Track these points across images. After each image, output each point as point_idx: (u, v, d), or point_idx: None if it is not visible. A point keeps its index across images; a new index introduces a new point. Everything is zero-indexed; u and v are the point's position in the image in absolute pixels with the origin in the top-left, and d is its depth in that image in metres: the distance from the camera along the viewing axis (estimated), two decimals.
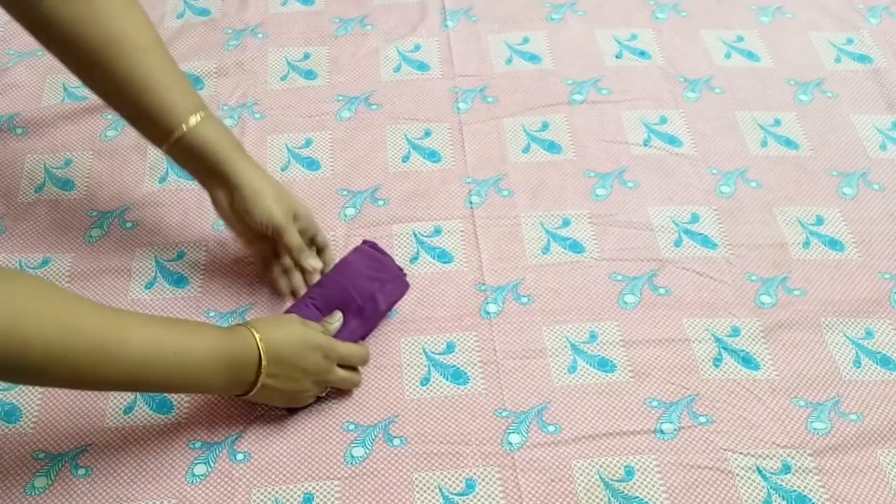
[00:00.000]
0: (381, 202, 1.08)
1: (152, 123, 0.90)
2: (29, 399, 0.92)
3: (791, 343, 0.97)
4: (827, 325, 0.98)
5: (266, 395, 0.86)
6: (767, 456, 0.89)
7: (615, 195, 1.09)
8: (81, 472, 0.87)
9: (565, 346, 0.96)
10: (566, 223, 1.06)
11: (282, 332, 0.85)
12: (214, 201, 0.94)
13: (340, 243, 1.04)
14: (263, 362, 0.82)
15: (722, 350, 0.96)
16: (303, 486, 0.87)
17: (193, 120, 0.89)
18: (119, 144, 1.13)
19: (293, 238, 0.95)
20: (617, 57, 1.24)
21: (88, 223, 1.05)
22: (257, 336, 0.83)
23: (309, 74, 1.22)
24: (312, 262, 0.97)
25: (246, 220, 0.93)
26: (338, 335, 0.91)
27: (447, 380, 0.94)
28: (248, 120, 1.16)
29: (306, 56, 1.24)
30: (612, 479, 0.87)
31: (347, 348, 0.90)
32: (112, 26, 0.86)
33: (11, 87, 1.19)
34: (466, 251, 1.04)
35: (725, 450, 0.89)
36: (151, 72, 0.88)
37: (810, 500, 0.86)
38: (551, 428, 0.90)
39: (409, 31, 1.27)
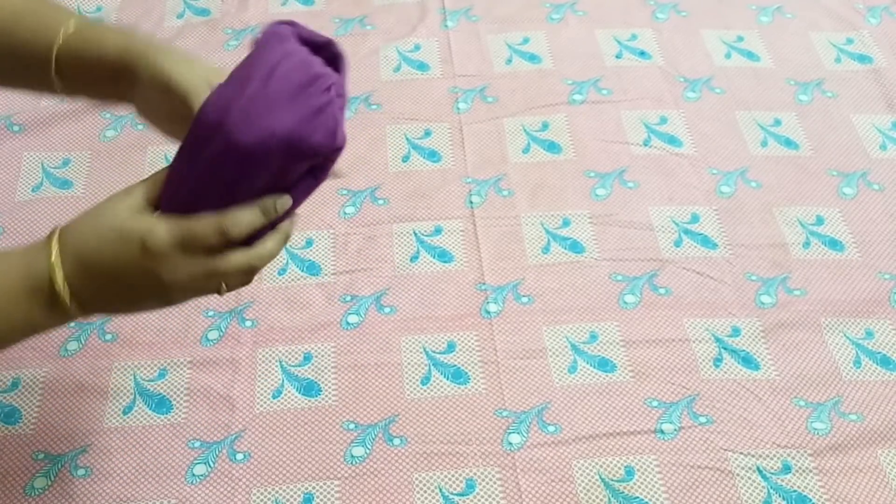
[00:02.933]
0: (381, 201, 1.08)
1: (28, 56, 0.72)
2: (28, 400, 0.92)
3: (791, 343, 0.97)
4: (827, 325, 0.98)
5: (109, 310, 0.67)
6: (767, 456, 0.89)
7: (615, 195, 1.09)
8: (81, 472, 0.87)
9: (565, 346, 0.96)
10: (566, 223, 1.06)
11: (89, 227, 0.63)
12: (139, 99, 0.72)
13: (340, 241, 1.04)
14: (58, 276, 0.62)
15: (722, 350, 0.96)
16: (303, 486, 0.87)
17: (69, 27, 0.72)
18: (118, 144, 1.13)
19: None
20: (617, 57, 1.24)
21: None
22: (54, 239, 0.63)
23: None
24: None
25: (165, 99, 0.70)
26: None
27: (447, 379, 0.94)
28: None
29: None
30: (612, 479, 0.87)
31: (204, 226, 0.63)
32: None
33: None
34: (467, 251, 1.03)
35: (725, 450, 0.89)
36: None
37: (810, 500, 0.86)
38: (551, 428, 0.90)
39: (409, 31, 1.27)
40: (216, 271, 0.64)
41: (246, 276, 0.67)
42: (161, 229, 0.62)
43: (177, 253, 0.63)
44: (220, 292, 0.66)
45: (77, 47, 0.72)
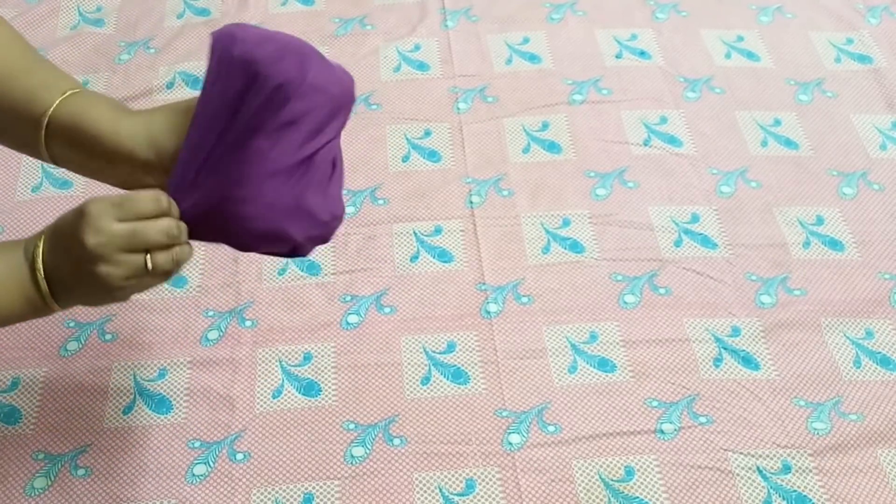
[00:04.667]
0: (381, 201, 1.08)
1: (19, 118, 0.73)
2: (28, 401, 0.92)
3: (791, 343, 0.97)
4: (827, 325, 0.98)
5: (65, 288, 0.69)
6: (767, 456, 0.88)
7: (615, 195, 1.09)
8: (81, 472, 0.87)
9: (565, 346, 0.96)
10: (566, 223, 1.06)
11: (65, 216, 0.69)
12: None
13: (340, 241, 1.04)
14: (40, 248, 0.68)
15: (722, 350, 0.96)
16: (303, 486, 0.87)
17: (63, 96, 0.72)
18: None
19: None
20: (617, 57, 1.24)
21: None
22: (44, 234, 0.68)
23: None
24: None
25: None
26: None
27: (448, 379, 0.94)
28: None
29: None
30: (612, 480, 0.87)
31: (141, 192, 0.67)
32: None
33: None
34: (467, 251, 1.03)
35: (725, 450, 0.89)
36: (13, 59, 0.73)
37: (810, 500, 0.86)
38: (551, 428, 0.90)
39: (409, 31, 1.27)
40: (141, 231, 0.66)
41: (169, 248, 0.68)
42: (104, 199, 0.66)
43: (109, 214, 0.66)
44: (147, 267, 0.67)
45: (67, 121, 0.72)
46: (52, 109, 0.71)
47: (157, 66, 1.22)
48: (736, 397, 0.92)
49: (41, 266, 0.68)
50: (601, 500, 0.86)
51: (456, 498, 0.86)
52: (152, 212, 0.67)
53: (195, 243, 0.70)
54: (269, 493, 0.86)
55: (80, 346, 0.95)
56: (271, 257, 1.02)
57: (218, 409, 0.91)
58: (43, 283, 0.68)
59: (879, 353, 0.96)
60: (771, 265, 1.03)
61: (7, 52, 0.74)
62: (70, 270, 0.67)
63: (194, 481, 0.87)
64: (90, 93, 0.74)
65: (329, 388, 0.93)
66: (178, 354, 0.95)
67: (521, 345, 0.96)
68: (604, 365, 0.95)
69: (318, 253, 1.03)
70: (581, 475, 0.87)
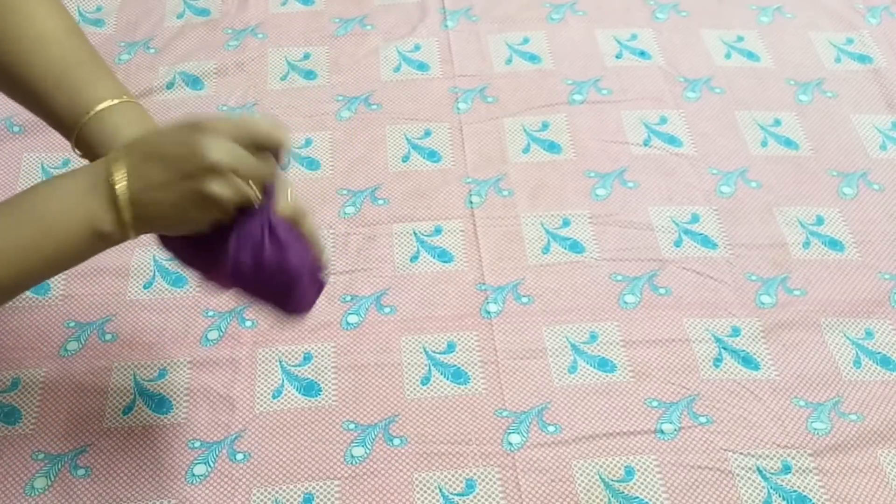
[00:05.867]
0: (380, 201, 1.08)
1: (58, 114, 0.73)
2: (28, 400, 0.92)
3: (791, 343, 0.97)
4: (827, 325, 0.98)
5: (150, 211, 0.65)
6: (767, 456, 0.89)
7: (615, 195, 1.09)
8: (81, 472, 0.87)
9: (565, 346, 0.96)
10: (566, 223, 1.06)
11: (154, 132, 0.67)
12: None
13: (340, 240, 1.04)
14: (122, 170, 0.64)
15: (722, 350, 0.96)
16: (303, 486, 0.87)
17: (104, 105, 0.72)
18: None
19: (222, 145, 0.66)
20: (617, 57, 1.24)
21: None
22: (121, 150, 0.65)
23: (309, 74, 1.22)
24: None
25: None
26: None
27: (448, 379, 0.94)
28: None
29: (306, 56, 1.24)
30: (612, 480, 0.87)
31: (228, 125, 0.65)
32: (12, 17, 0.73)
33: None
34: (467, 251, 1.03)
35: (725, 450, 0.89)
36: (60, 57, 0.74)
37: (810, 500, 0.86)
38: (551, 428, 0.90)
39: (409, 31, 1.27)
40: (255, 163, 0.65)
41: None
42: (218, 117, 0.65)
43: (229, 133, 0.64)
44: (255, 197, 0.66)
45: (95, 133, 0.73)
46: (84, 122, 0.72)
47: (157, 66, 1.22)
48: (736, 397, 0.92)
49: (126, 190, 0.63)
50: (601, 500, 0.86)
51: (456, 498, 0.86)
52: (264, 141, 0.66)
53: None
54: (269, 493, 0.86)
55: (80, 346, 0.95)
56: None
57: (218, 409, 0.91)
58: (127, 210, 0.64)
59: (879, 353, 0.96)
60: (771, 265, 1.03)
61: (52, 47, 0.73)
62: (168, 189, 0.64)
63: (194, 481, 0.87)
64: (127, 109, 0.73)
65: (329, 388, 0.93)
66: (178, 354, 0.95)
67: (521, 345, 0.96)
68: (604, 365, 0.95)
69: None
70: (581, 475, 0.87)
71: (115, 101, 0.73)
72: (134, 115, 0.74)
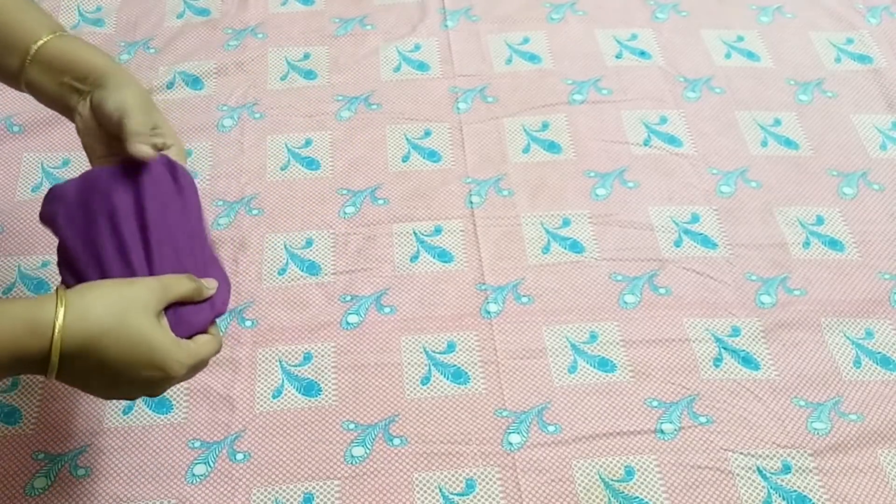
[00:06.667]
0: (381, 201, 1.08)
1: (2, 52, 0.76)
2: (29, 401, 0.92)
3: (791, 343, 0.97)
4: (827, 325, 0.98)
5: (77, 384, 0.69)
6: (767, 456, 0.89)
7: (615, 195, 1.09)
8: (81, 472, 0.87)
9: (565, 346, 0.96)
10: (566, 223, 1.06)
11: (105, 312, 0.66)
12: (78, 117, 0.77)
13: (340, 240, 1.04)
14: (52, 357, 0.64)
15: (722, 350, 0.96)
16: (303, 485, 0.87)
17: (50, 35, 0.76)
18: None
19: (136, 123, 0.74)
20: (617, 57, 1.24)
21: None
22: (61, 312, 0.64)
23: (309, 74, 1.22)
24: (140, 148, 0.74)
25: (98, 117, 0.76)
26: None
27: (448, 379, 0.94)
28: (248, 120, 1.16)
29: (306, 56, 1.24)
30: (612, 480, 0.87)
31: (200, 349, 0.72)
32: None
33: None
34: (467, 251, 1.03)
35: (725, 450, 0.89)
36: None
37: (810, 500, 0.86)
38: (551, 428, 0.90)
39: (409, 30, 1.27)
40: (204, 361, 0.73)
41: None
42: (180, 355, 0.69)
43: (186, 373, 0.70)
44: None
45: (53, 56, 0.76)
46: (43, 41, 0.76)
47: (157, 66, 1.22)
48: (736, 397, 0.92)
49: (57, 368, 0.65)
50: (601, 500, 0.86)
51: (456, 498, 0.86)
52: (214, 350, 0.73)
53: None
54: (269, 493, 0.86)
55: None
56: (270, 258, 1.02)
57: (218, 409, 0.91)
58: (53, 373, 0.65)
59: (879, 353, 0.96)
60: (771, 265, 1.03)
61: None
62: (105, 388, 0.69)
63: (194, 481, 0.87)
64: (77, 38, 0.78)
65: (329, 388, 0.93)
66: None
67: (521, 345, 0.96)
68: (604, 365, 0.95)
69: (318, 253, 1.03)
70: (581, 475, 0.87)
71: (61, 33, 0.77)
72: (80, 41, 0.78)
